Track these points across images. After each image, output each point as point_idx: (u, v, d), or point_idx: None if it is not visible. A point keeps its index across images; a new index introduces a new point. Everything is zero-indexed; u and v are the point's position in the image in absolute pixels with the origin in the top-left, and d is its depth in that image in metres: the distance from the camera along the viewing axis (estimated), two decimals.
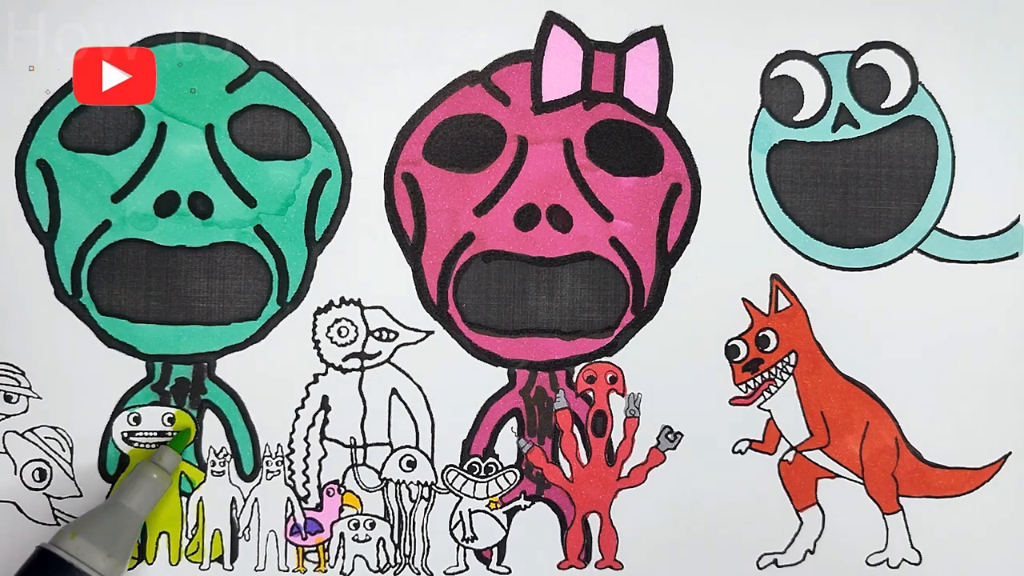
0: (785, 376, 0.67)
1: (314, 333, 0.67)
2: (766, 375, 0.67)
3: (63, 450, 0.66)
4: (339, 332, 0.66)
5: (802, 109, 0.67)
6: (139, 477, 0.63)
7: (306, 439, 0.67)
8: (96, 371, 0.66)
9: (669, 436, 0.67)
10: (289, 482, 0.67)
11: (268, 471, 0.67)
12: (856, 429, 0.67)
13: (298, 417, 0.66)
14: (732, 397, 0.67)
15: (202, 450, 0.67)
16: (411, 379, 0.67)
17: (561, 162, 0.67)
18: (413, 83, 0.66)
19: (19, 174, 0.66)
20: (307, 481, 0.67)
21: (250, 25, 0.66)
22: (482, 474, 0.67)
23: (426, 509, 0.67)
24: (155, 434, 0.66)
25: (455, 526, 0.67)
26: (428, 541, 0.67)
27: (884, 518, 0.67)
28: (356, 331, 0.67)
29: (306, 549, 0.67)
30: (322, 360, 0.67)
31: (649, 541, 0.67)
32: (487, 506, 0.67)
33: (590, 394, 0.67)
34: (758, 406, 0.67)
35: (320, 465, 0.67)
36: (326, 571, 0.67)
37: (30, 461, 0.66)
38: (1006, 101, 0.68)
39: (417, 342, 0.67)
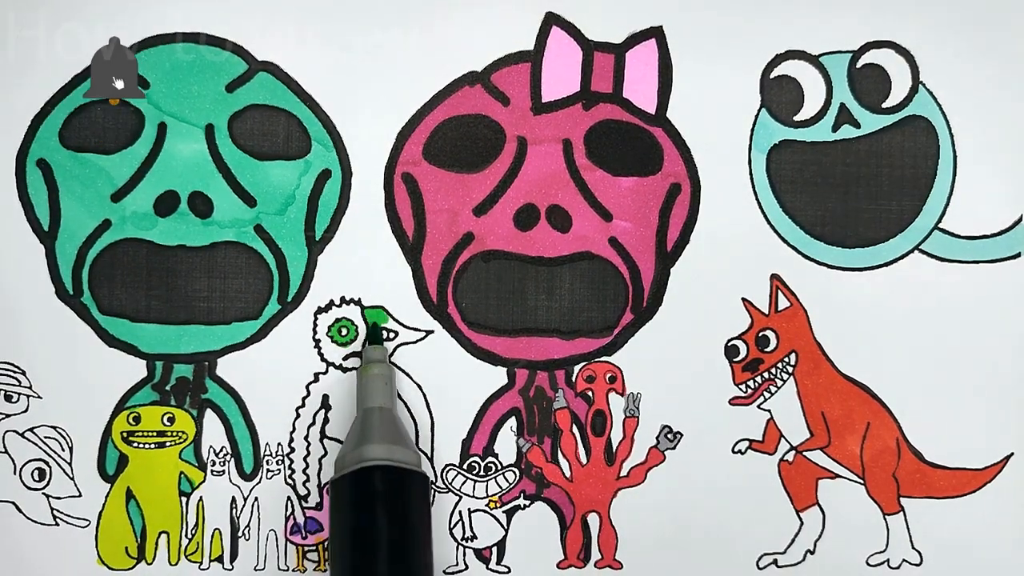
0: (785, 376, 0.67)
1: (315, 332, 0.67)
2: (766, 375, 0.67)
3: (63, 450, 0.66)
4: (339, 331, 0.66)
5: (802, 109, 0.67)
6: (366, 380, 0.64)
7: (306, 438, 0.67)
8: (97, 370, 0.66)
9: (669, 436, 0.67)
10: (289, 481, 0.67)
11: (268, 470, 0.67)
12: (857, 429, 0.67)
13: (298, 416, 0.67)
14: (732, 397, 0.67)
15: (202, 449, 0.67)
16: (411, 378, 0.67)
17: (560, 162, 0.67)
18: (413, 83, 0.66)
19: (19, 174, 0.66)
20: (307, 480, 0.67)
21: (250, 25, 0.66)
22: (481, 473, 0.67)
23: None
24: (154, 434, 0.66)
25: (455, 525, 0.67)
26: None
27: (885, 519, 0.67)
28: (356, 330, 0.67)
29: (306, 548, 0.67)
30: (323, 359, 0.67)
31: (649, 541, 0.67)
32: (487, 505, 0.67)
33: (589, 393, 0.67)
34: (758, 406, 0.67)
35: (320, 464, 0.67)
36: (326, 570, 0.67)
37: (29, 461, 0.66)
38: (1008, 100, 0.67)
39: (417, 341, 0.67)
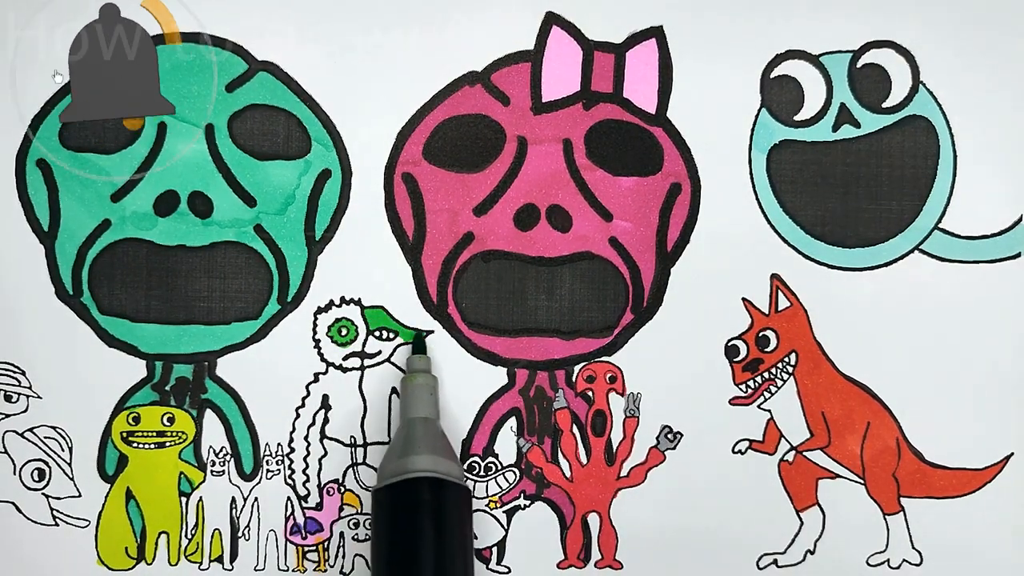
0: (785, 376, 0.67)
1: (314, 332, 0.67)
2: (766, 375, 0.67)
3: (62, 450, 0.66)
4: (339, 331, 0.66)
5: (802, 109, 0.67)
6: (411, 390, 0.64)
7: (306, 438, 0.67)
8: (96, 371, 0.66)
9: (669, 436, 0.67)
10: (289, 481, 0.67)
11: (268, 470, 0.67)
12: (857, 429, 0.67)
13: (298, 416, 0.67)
14: (732, 397, 0.67)
15: (202, 450, 0.67)
16: None
17: (561, 162, 0.67)
18: (413, 83, 0.66)
19: (19, 174, 0.66)
20: (307, 480, 0.67)
21: (250, 25, 0.66)
22: (482, 473, 0.67)
23: None
24: (154, 434, 0.66)
25: None
26: None
27: (885, 518, 0.67)
28: (356, 330, 0.67)
29: (306, 549, 0.67)
30: (322, 359, 0.67)
31: (649, 541, 0.67)
32: (487, 505, 0.67)
33: (589, 394, 0.67)
34: (758, 406, 0.67)
35: (320, 464, 0.67)
36: (326, 571, 0.67)
37: (29, 461, 0.66)
38: (1008, 100, 0.67)
39: None
